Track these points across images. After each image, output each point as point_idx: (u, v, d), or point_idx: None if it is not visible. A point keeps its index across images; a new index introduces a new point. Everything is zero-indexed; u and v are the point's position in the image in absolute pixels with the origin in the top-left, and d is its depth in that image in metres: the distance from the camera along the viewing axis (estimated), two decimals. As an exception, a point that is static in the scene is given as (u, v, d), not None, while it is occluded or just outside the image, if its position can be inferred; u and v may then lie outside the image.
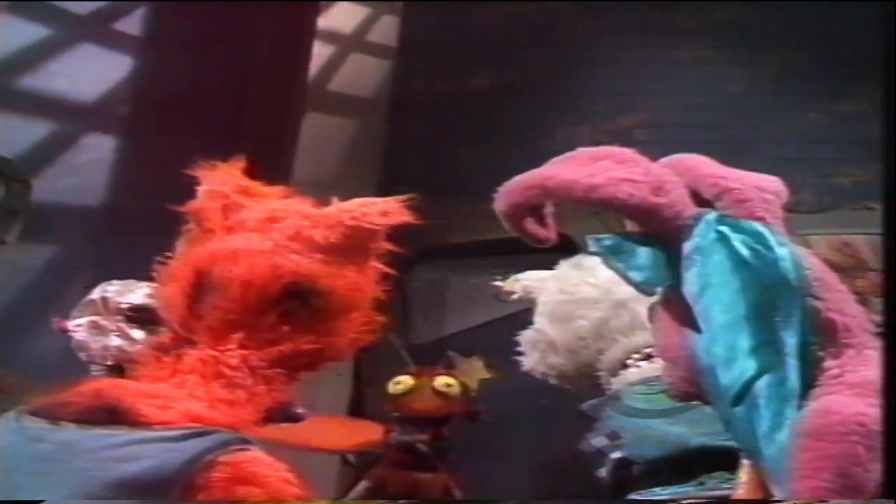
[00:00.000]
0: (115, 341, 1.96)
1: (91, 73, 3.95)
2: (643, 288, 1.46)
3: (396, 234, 1.60)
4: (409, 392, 2.45)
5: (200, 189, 1.62)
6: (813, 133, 4.71)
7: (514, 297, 2.37)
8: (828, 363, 1.33)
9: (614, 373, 2.19)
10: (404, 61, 5.05)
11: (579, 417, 2.16)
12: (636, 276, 1.44)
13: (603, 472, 2.04)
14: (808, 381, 1.31)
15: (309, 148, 4.54)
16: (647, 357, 2.13)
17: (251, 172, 1.66)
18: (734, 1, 4.93)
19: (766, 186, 1.54)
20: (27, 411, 1.46)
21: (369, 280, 1.60)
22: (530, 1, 5.08)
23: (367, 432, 2.53)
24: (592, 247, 1.46)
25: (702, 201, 1.51)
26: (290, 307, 1.51)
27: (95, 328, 1.97)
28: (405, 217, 1.58)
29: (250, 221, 1.57)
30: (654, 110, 4.59)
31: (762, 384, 1.32)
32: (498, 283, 2.42)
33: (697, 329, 1.40)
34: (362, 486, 2.45)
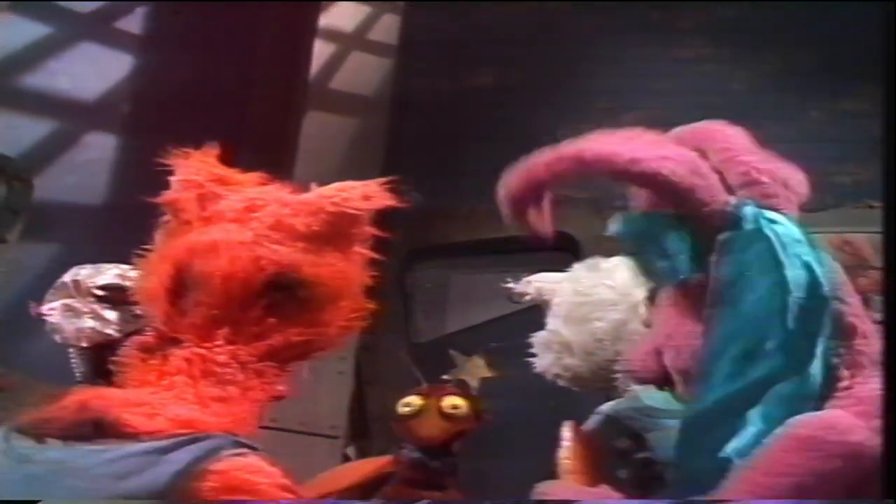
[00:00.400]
0: (88, 323, 1.95)
1: (92, 71, 3.95)
2: (667, 277, 1.43)
3: (380, 217, 1.54)
4: (416, 415, 2.40)
5: (174, 179, 1.55)
6: (814, 131, 4.71)
7: (527, 298, 2.36)
8: (842, 372, 1.32)
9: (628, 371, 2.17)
10: (405, 60, 5.05)
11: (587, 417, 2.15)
12: (667, 261, 1.40)
13: (624, 473, 2.03)
14: (828, 388, 1.30)
15: (310, 146, 4.55)
16: None
17: (226, 159, 1.59)
18: (736, 1, 4.93)
19: (791, 184, 1.52)
20: (15, 429, 1.40)
21: (355, 266, 1.53)
22: (531, 0, 5.08)
23: (378, 462, 2.50)
24: (617, 227, 1.43)
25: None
26: (275, 299, 1.45)
27: (69, 310, 1.96)
28: (388, 200, 1.51)
29: (228, 212, 1.51)
30: (655, 109, 4.59)
31: (782, 383, 1.30)
32: (510, 285, 2.40)
33: (725, 317, 1.37)
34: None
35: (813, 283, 1.36)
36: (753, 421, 1.30)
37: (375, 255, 1.56)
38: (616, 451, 2.04)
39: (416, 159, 4.69)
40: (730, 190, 1.49)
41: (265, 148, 3.97)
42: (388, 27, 5.17)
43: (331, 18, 4.97)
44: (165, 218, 1.56)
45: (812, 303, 1.35)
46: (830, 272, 1.39)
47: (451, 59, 5.06)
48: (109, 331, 1.95)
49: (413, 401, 2.41)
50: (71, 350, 2.00)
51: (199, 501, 1.30)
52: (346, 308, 1.52)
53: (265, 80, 4.43)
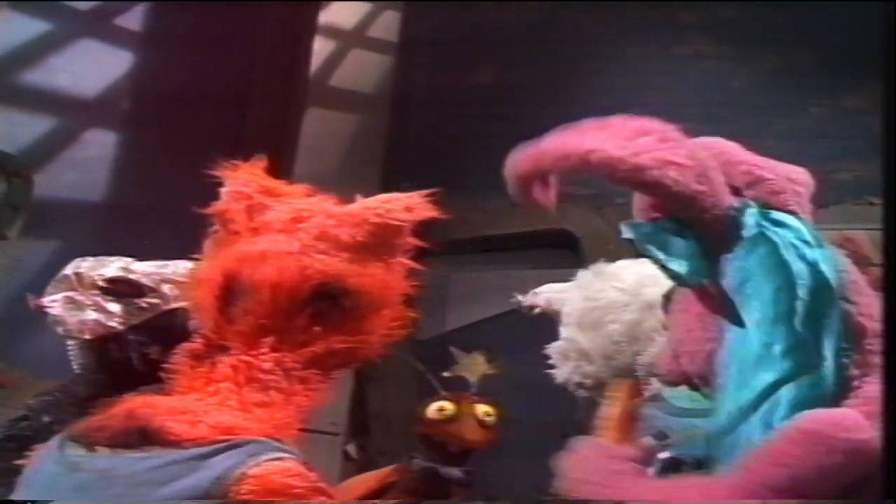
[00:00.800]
0: (91, 315, 1.95)
1: (92, 68, 3.95)
2: (685, 279, 1.41)
3: (421, 229, 1.60)
4: (454, 419, 2.37)
5: (223, 190, 1.61)
6: (815, 128, 4.71)
7: (537, 310, 2.34)
8: (853, 372, 1.31)
9: (654, 373, 2.16)
10: (405, 57, 5.05)
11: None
12: (678, 266, 1.39)
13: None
14: (841, 390, 1.29)
15: (310, 143, 4.55)
16: None
17: (273, 172, 1.65)
18: (735, 0, 4.93)
19: (796, 178, 1.52)
20: (69, 437, 1.46)
21: (397, 276, 1.59)
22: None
23: (384, 472, 2.48)
24: (629, 233, 1.43)
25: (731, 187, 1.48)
26: (320, 308, 1.50)
27: (71, 303, 1.96)
28: (430, 212, 1.58)
29: (276, 222, 1.56)
30: (656, 106, 4.58)
31: (791, 387, 1.30)
32: (519, 298, 2.39)
33: (740, 323, 1.37)
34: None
35: (820, 285, 1.36)
36: (765, 427, 1.29)
37: (417, 266, 1.62)
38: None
39: (416, 157, 4.69)
40: (737, 192, 1.48)
41: (265, 145, 3.96)
42: (388, 24, 5.17)
43: (331, 16, 4.97)
44: (214, 228, 1.61)
45: (820, 304, 1.34)
46: (839, 272, 1.38)
47: (451, 56, 5.05)
48: (113, 323, 1.96)
49: (446, 405, 2.37)
50: (70, 342, 2.00)
51: None
52: (388, 317, 1.58)
53: (265, 77, 4.43)
